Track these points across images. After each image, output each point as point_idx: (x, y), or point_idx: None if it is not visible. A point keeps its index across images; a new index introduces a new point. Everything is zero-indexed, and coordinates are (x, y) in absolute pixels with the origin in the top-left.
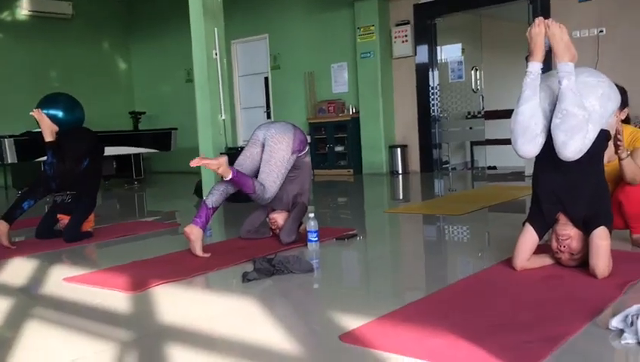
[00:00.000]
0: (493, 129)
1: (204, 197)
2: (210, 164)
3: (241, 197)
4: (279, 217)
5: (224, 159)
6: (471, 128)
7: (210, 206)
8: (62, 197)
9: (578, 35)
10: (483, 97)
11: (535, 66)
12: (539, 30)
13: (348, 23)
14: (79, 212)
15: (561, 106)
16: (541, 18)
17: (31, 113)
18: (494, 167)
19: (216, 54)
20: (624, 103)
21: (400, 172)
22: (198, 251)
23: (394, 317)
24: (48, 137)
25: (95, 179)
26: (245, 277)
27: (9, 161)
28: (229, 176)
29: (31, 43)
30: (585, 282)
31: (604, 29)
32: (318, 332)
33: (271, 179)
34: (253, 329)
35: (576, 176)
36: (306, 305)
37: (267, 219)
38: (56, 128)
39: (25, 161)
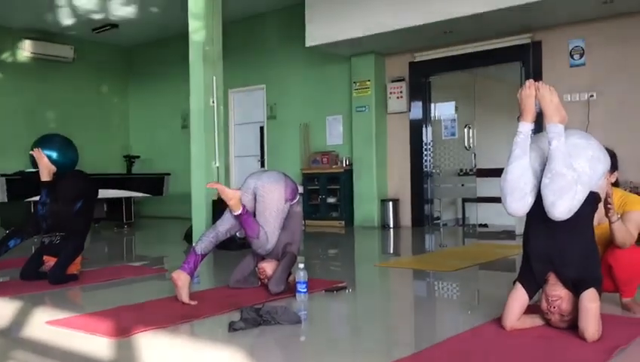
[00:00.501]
0: (485, 187)
1: (194, 244)
2: (226, 192)
3: (231, 244)
4: (268, 267)
5: (239, 193)
6: (463, 185)
7: (199, 253)
8: (50, 239)
9: (569, 99)
10: (475, 155)
11: (525, 127)
12: (529, 92)
13: (344, 77)
14: (66, 253)
15: (550, 167)
16: (532, 80)
17: (31, 152)
18: (485, 225)
19: (213, 102)
20: (614, 166)
21: (391, 226)
22: (185, 298)
23: None
24: (45, 177)
25: (86, 221)
26: (232, 327)
27: None
28: (238, 212)
29: (30, 84)
30: (574, 345)
31: (594, 94)
32: None
33: (270, 230)
34: None
35: (566, 237)
36: (292, 357)
37: (256, 268)
38: (54, 169)
39: (15, 200)
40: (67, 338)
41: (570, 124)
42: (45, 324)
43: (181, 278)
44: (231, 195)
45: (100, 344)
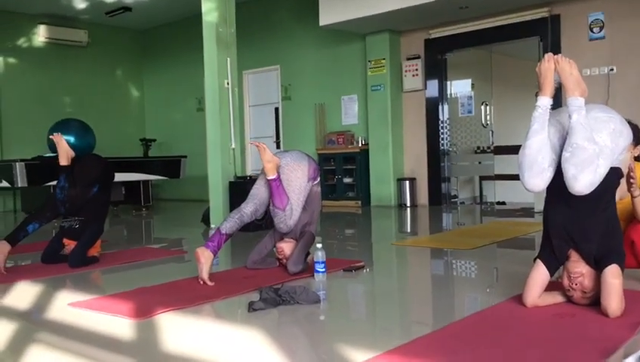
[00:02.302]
0: (503, 164)
1: (218, 225)
2: (267, 153)
3: (249, 225)
4: (286, 247)
5: (278, 159)
6: (480, 163)
7: (224, 232)
8: (69, 223)
9: (588, 73)
10: (493, 132)
11: (544, 101)
12: (548, 65)
13: (359, 56)
14: (86, 237)
15: (571, 140)
16: (550, 54)
17: (51, 137)
18: (503, 203)
19: (227, 84)
20: (637, 140)
21: (408, 205)
22: (205, 274)
23: (401, 352)
24: (64, 161)
25: (104, 205)
26: (251, 307)
27: (19, 185)
28: (273, 176)
29: (46, 69)
30: (596, 321)
31: (614, 67)
32: None
33: (293, 207)
34: (258, 358)
35: (586, 213)
36: (311, 336)
37: (274, 248)
38: (72, 153)
39: (35, 185)
40: (89, 319)
41: (590, 98)
42: (67, 306)
43: (205, 255)
44: (270, 157)
45: (121, 325)
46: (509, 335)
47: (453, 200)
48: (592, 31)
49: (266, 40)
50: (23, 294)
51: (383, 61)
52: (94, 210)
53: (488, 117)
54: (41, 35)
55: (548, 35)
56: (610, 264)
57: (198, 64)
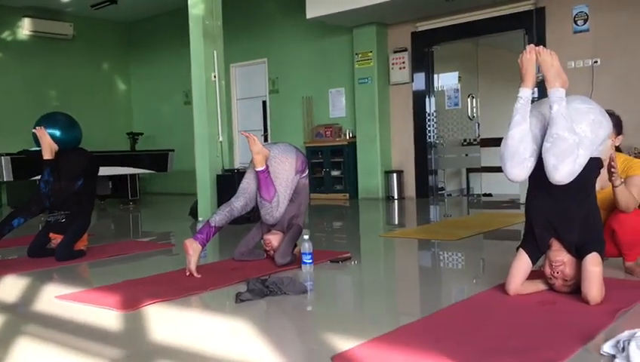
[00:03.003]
0: (489, 156)
1: (208, 217)
2: (256, 144)
3: (238, 219)
4: (274, 239)
5: (268, 151)
6: (467, 155)
7: (213, 225)
8: (55, 217)
9: (573, 66)
10: (479, 124)
11: (525, 92)
12: (530, 57)
13: (346, 49)
14: (72, 231)
15: (552, 131)
16: (532, 45)
17: (33, 130)
18: (490, 194)
19: (214, 77)
20: (619, 130)
21: (396, 197)
22: (193, 266)
23: (386, 340)
24: (47, 155)
25: (89, 199)
26: (239, 298)
27: (5, 179)
28: (261, 168)
29: (31, 63)
30: (577, 308)
31: (598, 60)
32: (312, 352)
33: (280, 199)
34: (245, 349)
35: (567, 202)
36: (298, 326)
37: (262, 240)
38: (56, 147)
39: (21, 179)
40: (77, 311)
41: (575, 90)
42: (54, 299)
43: (193, 246)
44: (259, 149)
45: (109, 316)
46: (491, 323)
47: (440, 192)
48: (576, 23)
49: (253, 33)
50: (10, 287)
51: (370, 54)
52: (79, 204)
53: (474, 109)
54: (25, 29)
55: (533, 28)
56: (590, 252)
57: (185, 57)
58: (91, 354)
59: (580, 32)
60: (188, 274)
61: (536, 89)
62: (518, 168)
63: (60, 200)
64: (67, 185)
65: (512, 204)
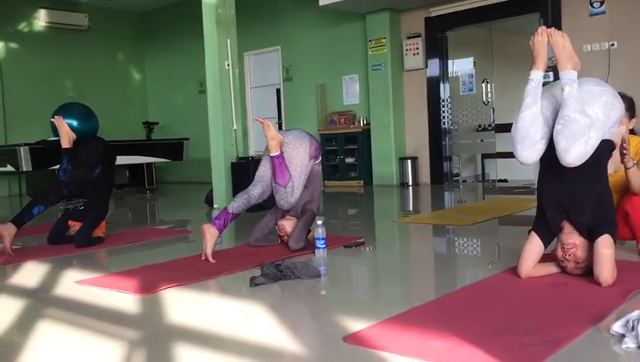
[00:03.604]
0: (504, 142)
1: (226, 204)
2: (271, 129)
3: (254, 206)
4: (288, 224)
5: (282, 137)
6: (482, 141)
7: (231, 211)
8: (74, 205)
9: (589, 49)
10: (494, 110)
11: (537, 74)
12: (541, 39)
13: (359, 36)
14: (91, 218)
15: (563, 113)
16: (544, 27)
17: (52, 120)
18: (505, 180)
19: (228, 65)
20: (632, 113)
21: (410, 184)
22: (209, 250)
23: (397, 321)
24: (66, 144)
25: (107, 187)
26: (253, 282)
27: (24, 169)
28: (275, 153)
29: (47, 54)
30: (589, 290)
31: (615, 43)
32: (325, 335)
33: (295, 185)
34: (259, 330)
35: (579, 185)
36: (311, 308)
37: (276, 226)
38: (74, 136)
39: (39, 169)
40: (96, 296)
41: (591, 73)
42: (74, 284)
43: (210, 231)
44: (273, 134)
45: (127, 300)
46: (503, 304)
47: (455, 178)
48: (592, 6)
49: (266, 21)
50: (31, 273)
51: (384, 40)
52: (97, 192)
53: (489, 94)
54: (41, 20)
55: (548, 11)
56: (602, 234)
57: (199, 46)
58: (110, 336)
59: (596, 14)
60: (203, 258)
61: (551, 72)
62: (529, 151)
63: (79, 188)
64: (85, 173)
65: (528, 189)
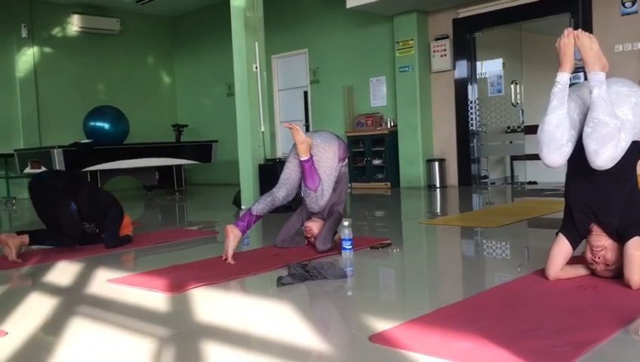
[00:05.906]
0: (534, 143)
1: (248, 206)
2: (300, 134)
3: (280, 208)
4: (314, 226)
5: (311, 140)
6: (511, 142)
7: (254, 213)
8: (89, 228)
9: (621, 49)
10: (523, 111)
11: (563, 76)
12: (568, 41)
13: (387, 37)
14: (110, 222)
15: (592, 115)
16: (570, 29)
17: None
18: (535, 182)
19: (256, 68)
20: None
21: (437, 186)
22: (230, 250)
23: (424, 321)
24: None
25: (102, 203)
26: (280, 282)
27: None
28: (305, 158)
29: (80, 58)
30: (619, 292)
31: None
32: (349, 333)
33: (325, 187)
34: (286, 329)
35: (607, 187)
36: (338, 308)
37: (302, 227)
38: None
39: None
40: (127, 294)
41: (622, 74)
42: (106, 282)
43: (233, 232)
44: (303, 138)
45: (157, 298)
46: (529, 305)
47: (483, 180)
48: (624, 5)
49: (294, 24)
50: (64, 272)
51: (411, 42)
52: (99, 212)
53: (518, 96)
54: (74, 25)
55: (579, 11)
56: (632, 236)
57: (228, 50)
58: (141, 333)
59: (628, 14)
60: (224, 258)
61: (581, 73)
62: (555, 154)
63: (89, 219)
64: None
65: (558, 191)
